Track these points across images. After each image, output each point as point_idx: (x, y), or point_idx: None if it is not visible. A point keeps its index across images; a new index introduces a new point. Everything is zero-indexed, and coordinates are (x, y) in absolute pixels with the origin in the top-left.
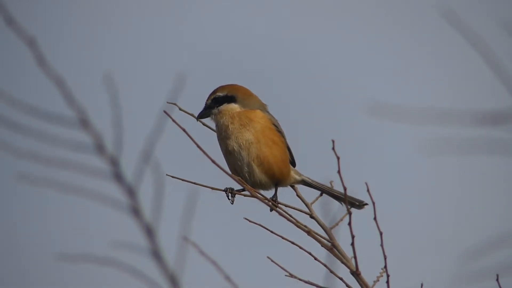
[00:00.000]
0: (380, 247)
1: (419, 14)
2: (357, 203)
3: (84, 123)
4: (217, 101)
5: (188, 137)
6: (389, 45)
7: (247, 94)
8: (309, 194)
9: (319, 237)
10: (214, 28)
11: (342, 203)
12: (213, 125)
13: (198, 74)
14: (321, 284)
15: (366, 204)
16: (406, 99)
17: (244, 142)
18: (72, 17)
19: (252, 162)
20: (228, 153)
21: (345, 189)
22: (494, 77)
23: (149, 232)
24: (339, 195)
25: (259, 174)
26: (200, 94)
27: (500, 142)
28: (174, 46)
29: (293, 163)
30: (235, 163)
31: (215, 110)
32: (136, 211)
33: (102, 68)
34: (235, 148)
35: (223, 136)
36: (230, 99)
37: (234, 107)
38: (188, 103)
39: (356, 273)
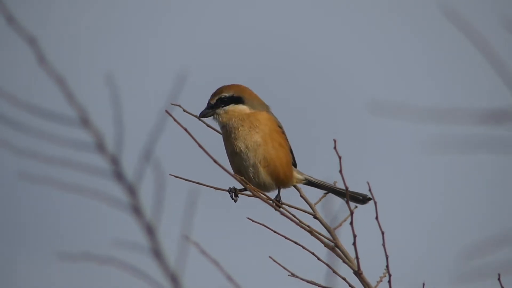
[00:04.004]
0: (382, 247)
1: (420, 13)
2: (361, 198)
3: (85, 121)
4: (222, 101)
5: (190, 137)
6: (390, 44)
7: (252, 95)
8: (313, 194)
9: (322, 237)
10: (215, 28)
11: (346, 199)
12: (215, 125)
13: (200, 73)
14: (323, 284)
15: (370, 198)
16: (407, 98)
17: (252, 144)
18: (73, 16)
19: (258, 163)
20: (234, 154)
21: (346, 189)
22: (495, 75)
23: (150, 231)
24: (342, 191)
25: (264, 176)
26: (202, 93)
27: (501, 140)
28: (175, 45)
29: (294, 164)
30: (240, 164)
31: (220, 110)
32: (137, 210)
33: (103, 66)
34: (242, 149)
35: (231, 137)
36: (237, 100)
37: (243, 108)
38: (190, 101)
39: (358, 273)
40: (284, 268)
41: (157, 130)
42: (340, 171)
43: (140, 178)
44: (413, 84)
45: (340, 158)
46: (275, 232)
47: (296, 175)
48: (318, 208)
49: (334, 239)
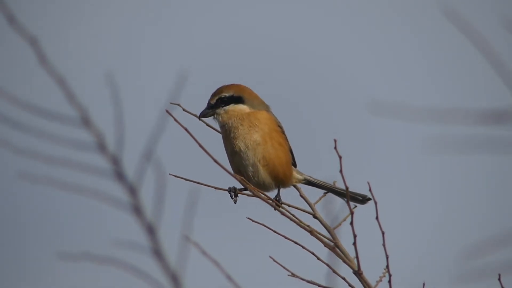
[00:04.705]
0: (382, 247)
1: (420, 13)
2: (360, 198)
3: (86, 121)
4: (222, 101)
5: (190, 137)
6: (391, 44)
7: (253, 95)
8: (312, 194)
9: (321, 237)
10: (216, 28)
11: (345, 199)
12: (215, 125)
13: (200, 73)
14: (323, 284)
15: (370, 198)
16: (407, 98)
17: (251, 143)
18: (74, 16)
19: (258, 162)
20: (234, 153)
21: (347, 188)
22: (495, 75)
23: (151, 231)
24: (341, 191)
25: (264, 175)
26: (202, 93)
27: (501, 140)
28: (175, 45)
29: (294, 164)
30: (240, 163)
31: (220, 110)
32: (137, 210)
33: (104, 66)
34: (242, 148)
35: (231, 136)
36: (238, 99)
37: (243, 108)
38: (189, 102)
39: (358, 273)
40: (284, 268)
41: (158, 130)
42: (341, 171)
43: (140, 178)
44: (413, 84)
45: (340, 158)
46: (275, 232)
47: (296, 175)
48: (318, 207)
49: (333, 238)
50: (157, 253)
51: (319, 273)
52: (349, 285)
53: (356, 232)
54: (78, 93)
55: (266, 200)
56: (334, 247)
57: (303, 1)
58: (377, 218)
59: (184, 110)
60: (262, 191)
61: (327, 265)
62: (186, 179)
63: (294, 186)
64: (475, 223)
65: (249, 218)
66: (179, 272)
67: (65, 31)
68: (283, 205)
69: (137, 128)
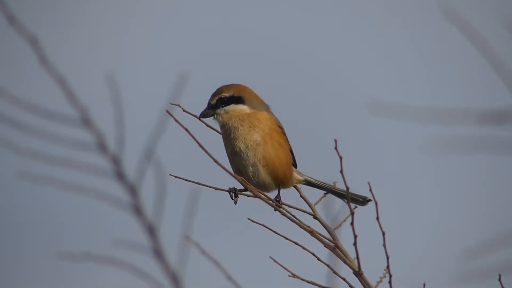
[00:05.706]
0: (383, 247)
1: (420, 13)
2: (361, 199)
3: (86, 121)
4: (222, 101)
5: (191, 137)
6: (390, 44)
7: (253, 95)
8: (313, 195)
9: (322, 238)
10: (216, 29)
11: (345, 200)
12: (215, 125)
13: (200, 74)
14: (324, 285)
15: (370, 200)
16: (407, 98)
17: (251, 143)
18: (75, 16)
19: (258, 162)
20: (234, 154)
21: (347, 188)
22: (495, 75)
23: (151, 231)
24: (341, 192)
25: (264, 175)
26: (202, 94)
27: (501, 140)
28: (175, 46)
29: (294, 165)
30: (240, 163)
31: (220, 110)
32: (138, 210)
33: (104, 66)
34: (242, 149)
35: (231, 137)
36: (238, 99)
37: (243, 108)
38: (190, 102)
39: (358, 273)
40: (285, 268)
41: (158, 130)
42: (341, 171)
43: (141, 178)
44: (413, 84)
45: (341, 158)
46: (275, 232)
47: (296, 175)
48: (318, 208)
49: (334, 239)
50: (157, 253)
51: (320, 273)
52: (350, 285)
53: (356, 233)
54: (78, 93)
55: (267, 200)
56: (335, 247)
57: (303, 2)
58: (377, 218)
59: (184, 110)
60: (262, 192)
61: (328, 265)
62: (186, 180)
63: (294, 186)
64: (475, 223)
65: (249, 219)
66: (179, 272)
67: (65, 31)
68: (283, 205)
69: (137, 128)
